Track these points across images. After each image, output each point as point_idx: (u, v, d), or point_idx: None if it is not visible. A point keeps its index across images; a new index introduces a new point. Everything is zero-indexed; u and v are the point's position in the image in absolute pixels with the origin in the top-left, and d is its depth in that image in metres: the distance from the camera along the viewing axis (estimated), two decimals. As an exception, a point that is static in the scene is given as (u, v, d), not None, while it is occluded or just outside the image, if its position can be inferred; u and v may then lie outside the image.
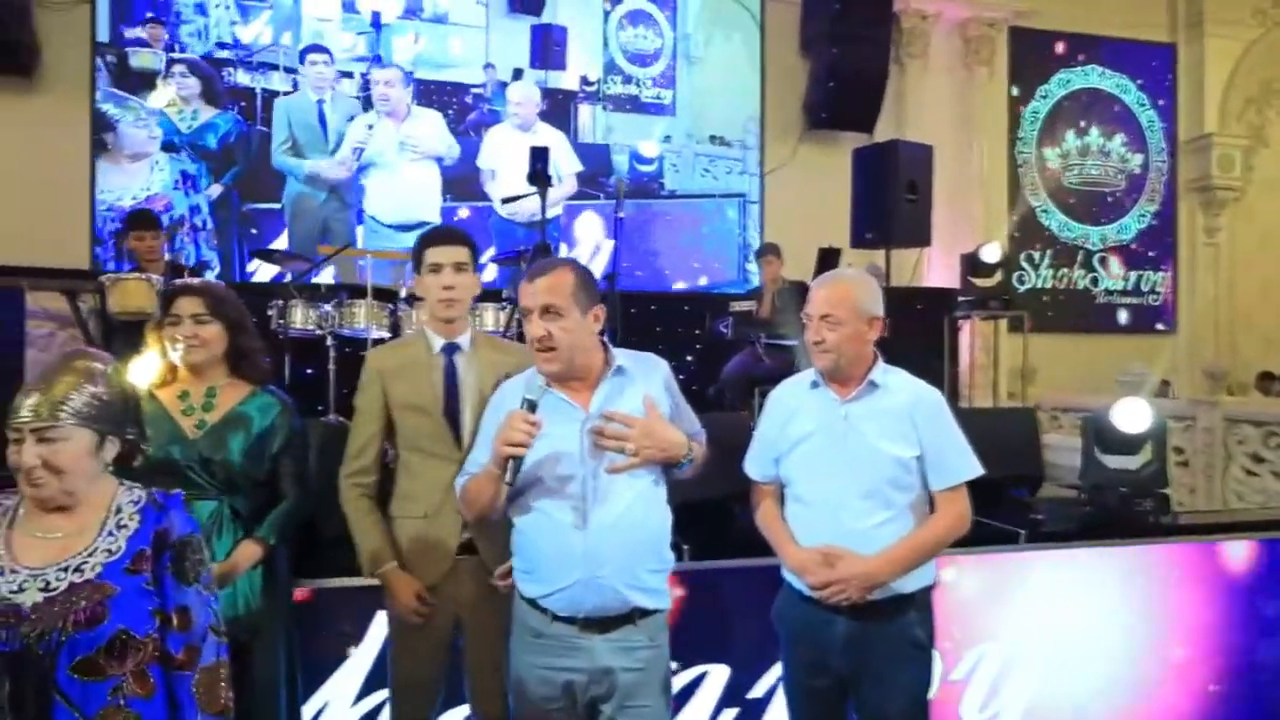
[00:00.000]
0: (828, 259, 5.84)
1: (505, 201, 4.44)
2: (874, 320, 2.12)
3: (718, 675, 2.81)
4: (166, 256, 4.73)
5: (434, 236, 2.28)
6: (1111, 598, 3.09)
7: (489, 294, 4.81)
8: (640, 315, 6.54)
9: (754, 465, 2.27)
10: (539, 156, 4.37)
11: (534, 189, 4.28)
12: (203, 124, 7.15)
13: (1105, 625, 3.08)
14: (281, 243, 7.23)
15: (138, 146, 7.03)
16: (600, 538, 1.88)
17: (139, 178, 7.03)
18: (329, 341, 4.66)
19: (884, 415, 2.09)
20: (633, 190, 7.93)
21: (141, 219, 4.98)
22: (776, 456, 2.19)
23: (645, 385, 2.00)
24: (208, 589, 1.58)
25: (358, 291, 4.77)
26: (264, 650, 2.18)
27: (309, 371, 4.89)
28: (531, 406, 1.84)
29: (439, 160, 7.78)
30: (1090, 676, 3.08)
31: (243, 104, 7.29)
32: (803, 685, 2.18)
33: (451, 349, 2.25)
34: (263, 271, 6.78)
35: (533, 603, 1.94)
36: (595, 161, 8.17)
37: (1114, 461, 3.39)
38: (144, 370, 2.16)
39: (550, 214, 7.62)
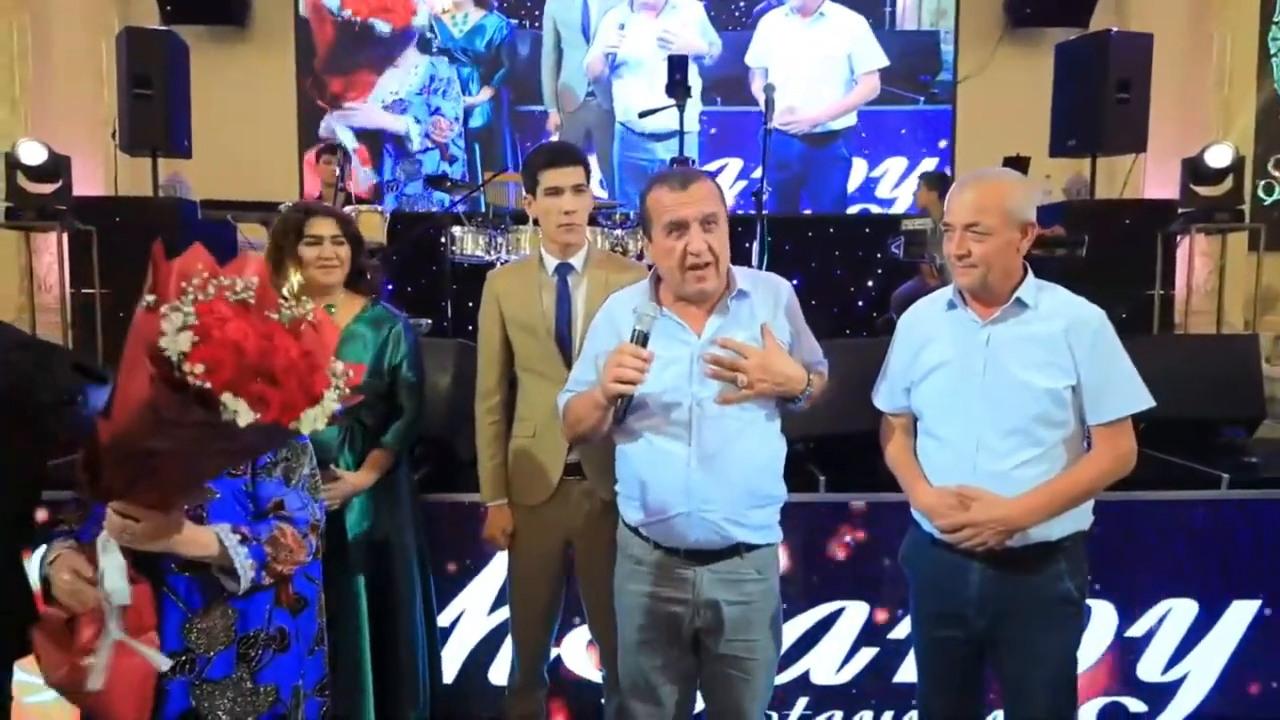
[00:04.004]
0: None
1: (642, 115, 4.19)
2: (1028, 226, 1.84)
3: (856, 612, 2.71)
4: (339, 184, 5.03)
5: (550, 157, 2.18)
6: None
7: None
8: (819, 238, 6.26)
9: (883, 395, 2.08)
10: (677, 66, 4.09)
11: (671, 101, 4.05)
12: (473, 27, 7.20)
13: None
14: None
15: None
16: (706, 470, 1.78)
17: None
18: (497, 268, 4.79)
19: (1033, 340, 1.84)
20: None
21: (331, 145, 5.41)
22: (907, 386, 2.00)
23: (765, 310, 1.86)
24: (306, 491, 1.64)
25: (521, 217, 4.86)
26: (397, 559, 2.30)
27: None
28: (643, 340, 1.72)
29: (699, 60, 6.86)
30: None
31: (523, 9, 7.15)
32: (931, 637, 2.02)
33: (565, 269, 2.20)
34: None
35: (635, 530, 1.90)
36: (917, 53, 6.68)
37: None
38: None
39: (841, 124, 7.01)
